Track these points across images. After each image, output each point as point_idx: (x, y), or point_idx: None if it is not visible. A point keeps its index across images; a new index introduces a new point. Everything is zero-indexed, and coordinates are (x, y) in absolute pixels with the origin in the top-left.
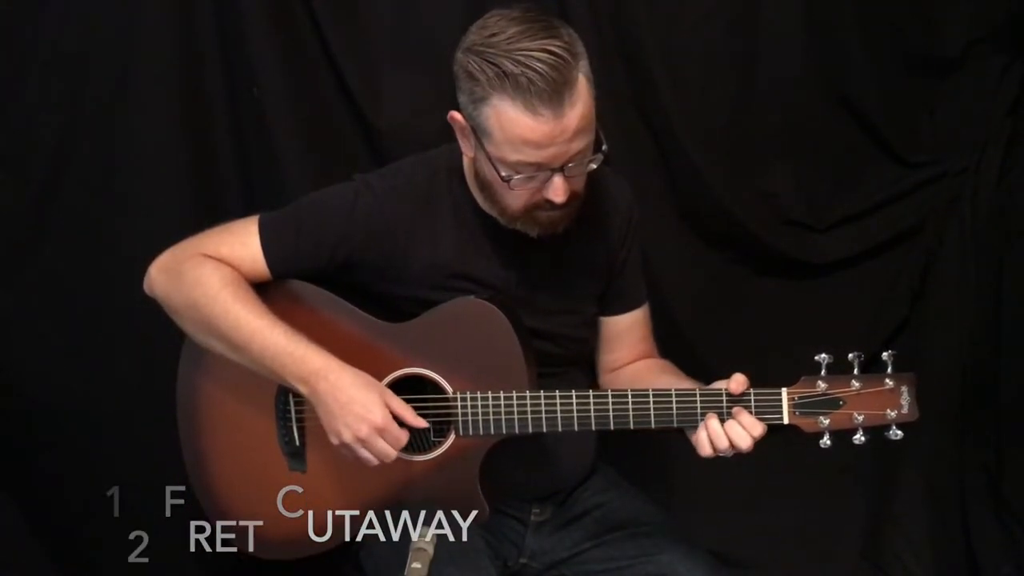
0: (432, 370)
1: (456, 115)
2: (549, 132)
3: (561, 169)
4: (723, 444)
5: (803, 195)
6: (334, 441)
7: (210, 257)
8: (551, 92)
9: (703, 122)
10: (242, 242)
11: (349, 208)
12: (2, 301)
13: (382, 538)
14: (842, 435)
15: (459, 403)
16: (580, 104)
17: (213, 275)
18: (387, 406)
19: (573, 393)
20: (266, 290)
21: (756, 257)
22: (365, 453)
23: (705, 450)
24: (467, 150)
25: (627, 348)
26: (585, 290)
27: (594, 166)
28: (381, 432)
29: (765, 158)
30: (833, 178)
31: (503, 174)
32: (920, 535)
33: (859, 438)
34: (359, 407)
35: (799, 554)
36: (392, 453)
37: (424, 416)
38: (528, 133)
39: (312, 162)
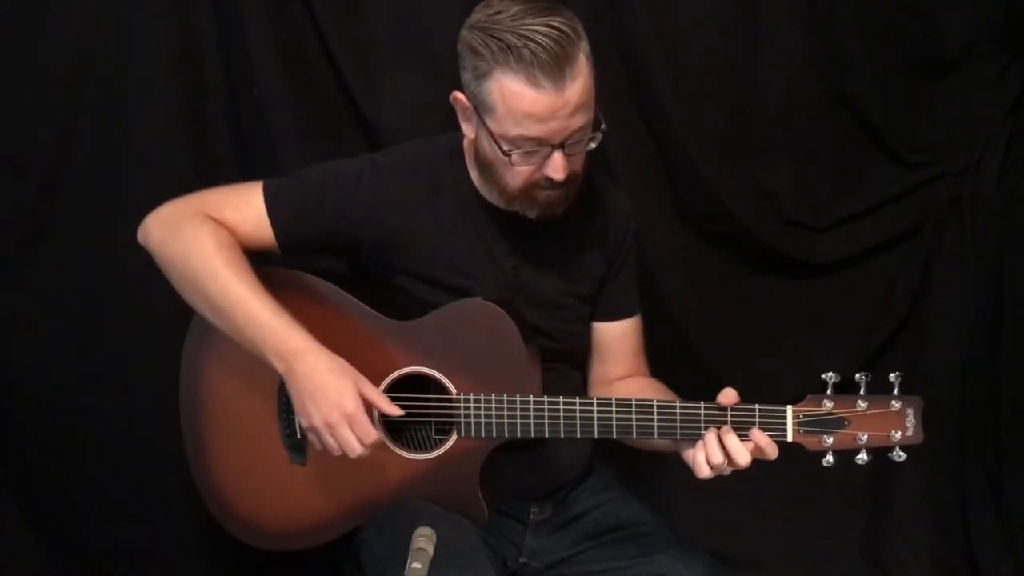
0: (437, 370)
1: (459, 95)
2: (550, 105)
3: (561, 145)
4: (718, 459)
5: (803, 195)
6: (303, 423)
7: (212, 218)
8: (553, 64)
9: (703, 122)
10: (247, 201)
11: (354, 182)
12: (2, 301)
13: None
14: (845, 455)
15: (462, 404)
16: (581, 79)
17: (210, 237)
18: (361, 395)
19: (577, 400)
20: (276, 280)
21: (756, 257)
22: (331, 441)
23: (703, 472)
24: (468, 131)
25: (619, 360)
26: (580, 286)
27: (593, 145)
28: (350, 420)
29: (765, 158)
30: (833, 178)
31: (504, 148)
32: (920, 535)
33: (862, 458)
34: (332, 391)
35: (799, 554)
36: (357, 448)
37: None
38: (530, 106)
39: (312, 162)
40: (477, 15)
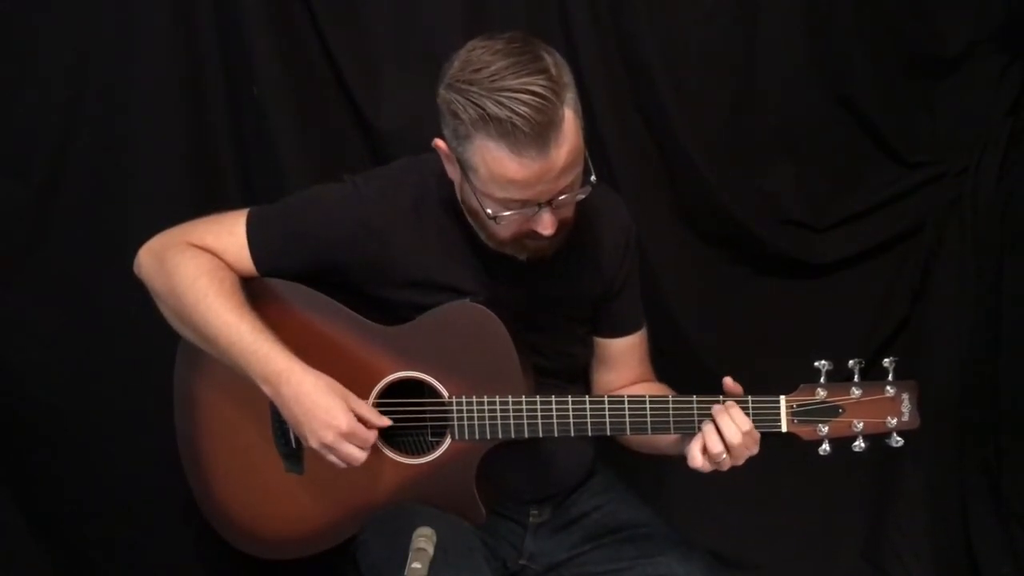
0: (429, 374)
1: (440, 143)
2: (536, 173)
3: (549, 203)
4: (717, 448)
5: (803, 195)
6: (304, 444)
7: (194, 246)
8: (536, 135)
9: (703, 122)
10: (229, 231)
11: (336, 209)
12: (2, 301)
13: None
14: (841, 443)
15: (455, 407)
16: (567, 142)
17: (191, 263)
18: (351, 410)
19: (569, 398)
20: (263, 291)
21: (756, 257)
22: (333, 458)
23: (696, 460)
24: (453, 175)
25: (624, 370)
26: (573, 309)
27: (582, 196)
28: (347, 437)
29: (765, 158)
30: (833, 178)
31: (489, 211)
32: (920, 535)
33: (859, 445)
34: (323, 413)
35: (799, 554)
36: (361, 457)
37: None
38: (513, 174)
39: (312, 162)
40: (455, 71)
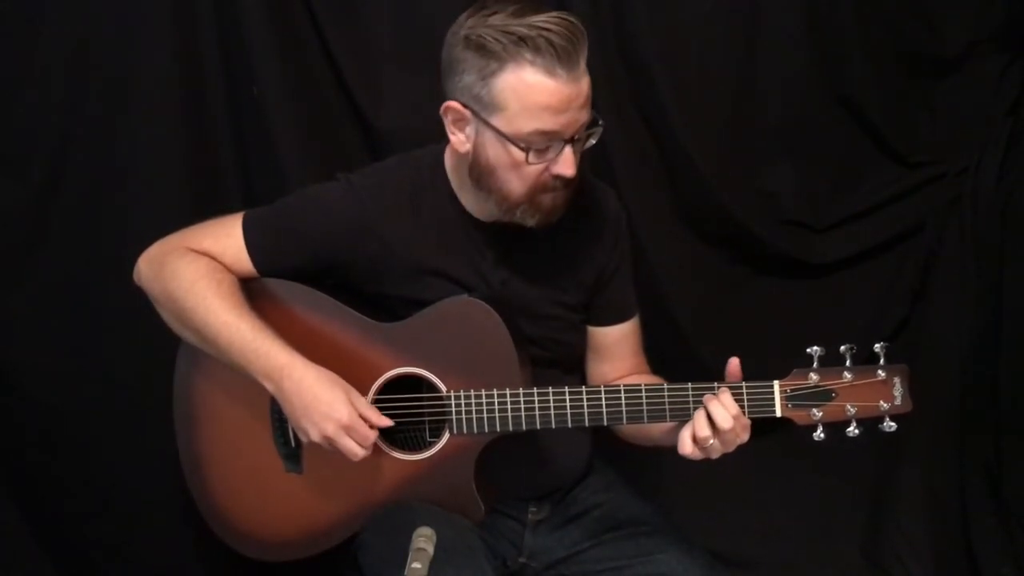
0: (426, 369)
1: (452, 103)
2: (568, 95)
3: (572, 140)
4: (704, 432)
5: (803, 195)
6: (303, 440)
7: (192, 250)
8: (569, 52)
9: (703, 122)
10: (227, 234)
11: (331, 207)
12: (2, 301)
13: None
14: (835, 428)
15: (453, 402)
16: (587, 73)
17: (190, 267)
18: (353, 405)
19: (566, 389)
20: (260, 291)
21: (756, 257)
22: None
23: (686, 447)
24: (460, 142)
25: (618, 361)
26: (569, 296)
27: (593, 140)
28: (348, 430)
29: (765, 158)
30: (833, 178)
31: (521, 145)
32: (920, 535)
33: (853, 431)
34: (324, 406)
35: (799, 554)
36: (360, 452)
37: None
38: (548, 97)
39: (312, 162)
40: (472, 19)
